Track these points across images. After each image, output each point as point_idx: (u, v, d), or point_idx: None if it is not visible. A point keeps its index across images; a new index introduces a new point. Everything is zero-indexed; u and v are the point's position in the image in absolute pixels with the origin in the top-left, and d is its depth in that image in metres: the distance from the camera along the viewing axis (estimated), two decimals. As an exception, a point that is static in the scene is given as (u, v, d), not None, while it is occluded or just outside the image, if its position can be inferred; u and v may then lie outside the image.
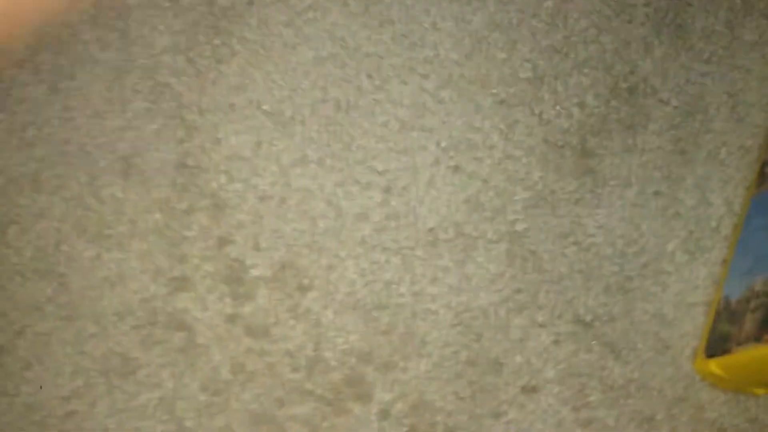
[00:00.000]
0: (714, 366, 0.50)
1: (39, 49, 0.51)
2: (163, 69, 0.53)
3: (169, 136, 0.52)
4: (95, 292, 0.49)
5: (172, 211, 0.51)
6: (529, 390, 0.54)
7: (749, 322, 0.47)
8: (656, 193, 0.59)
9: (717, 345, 0.50)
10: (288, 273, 0.52)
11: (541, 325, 0.55)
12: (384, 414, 0.52)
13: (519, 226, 0.56)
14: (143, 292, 0.50)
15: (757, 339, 0.46)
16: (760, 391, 0.52)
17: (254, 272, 0.52)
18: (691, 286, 0.57)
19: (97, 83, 0.52)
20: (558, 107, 0.59)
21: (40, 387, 0.48)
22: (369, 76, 0.57)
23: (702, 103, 0.61)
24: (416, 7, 0.58)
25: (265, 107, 0.54)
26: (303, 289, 0.52)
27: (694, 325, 0.56)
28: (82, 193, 0.50)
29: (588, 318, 0.55)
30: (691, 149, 0.60)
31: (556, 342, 0.55)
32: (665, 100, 0.61)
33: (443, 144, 0.56)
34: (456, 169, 0.56)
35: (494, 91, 0.58)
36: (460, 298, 0.54)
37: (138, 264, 0.50)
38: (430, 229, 0.55)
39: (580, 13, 0.61)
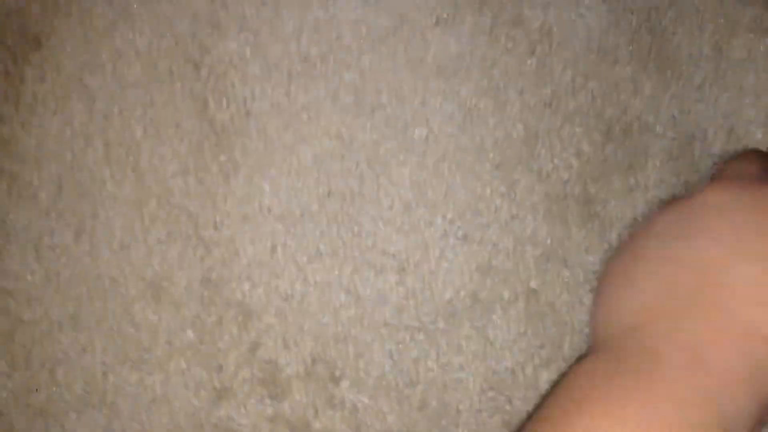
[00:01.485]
0: None
1: (61, 196, 0.56)
2: (176, 193, 0.57)
3: (191, 256, 0.56)
4: (144, 415, 0.53)
5: (203, 325, 0.55)
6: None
7: None
8: (665, 229, 0.60)
9: None
10: (319, 366, 0.55)
11: (569, 377, 0.57)
12: (430, 486, 0.55)
13: (533, 284, 0.58)
14: (187, 407, 0.53)
15: None
16: None
17: (288, 371, 0.55)
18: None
19: (119, 218, 0.56)
20: (555, 161, 0.60)
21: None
22: (368, 164, 0.59)
23: (699, 129, 0.62)
24: (404, 89, 0.61)
25: (275, 212, 0.58)
26: (336, 380, 0.55)
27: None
28: (120, 322, 0.54)
29: (614, 363, 0.57)
30: (694, 178, 0.61)
31: (585, 392, 0.56)
32: (661, 134, 0.62)
33: (449, 216, 0.59)
34: (465, 238, 0.58)
35: (491, 156, 0.60)
36: (486, 363, 0.57)
37: (179, 381, 0.54)
38: (448, 301, 0.57)
39: (565, 63, 0.62)
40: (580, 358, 0.34)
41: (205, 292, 0.56)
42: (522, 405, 0.56)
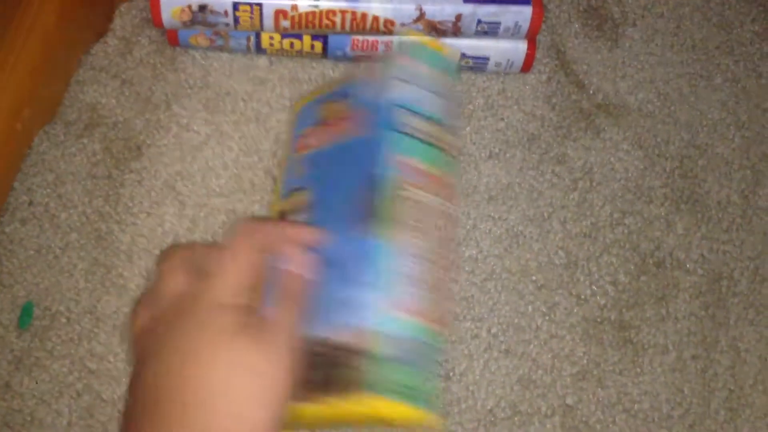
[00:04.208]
0: None
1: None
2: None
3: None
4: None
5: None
6: None
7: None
8: (694, 357, 0.64)
9: None
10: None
11: (601, 492, 0.60)
12: None
13: (569, 400, 0.62)
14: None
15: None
16: None
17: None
18: (737, 443, 0.61)
19: None
20: (593, 287, 0.66)
21: None
22: (423, 278, 0.65)
23: (726, 269, 0.68)
24: (457, 212, 0.67)
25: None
26: (381, 476, 0.59)
27: (745, 481, 0.60)
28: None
29: (643, 481, 0.60)
30: (721, 313, 0.66)
31: (616, 507, 0.59)
32: (691, 271, 0.67)
33: (493, 330, 0.64)
34: (507, 352, 0.63)
35: (534, 278, 0.66)
36: (522, 472, 0.60)
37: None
38: (490, 410, 0.62)
39: (604, 199, 0.69)
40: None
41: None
42: None
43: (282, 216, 0.50)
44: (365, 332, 0.42)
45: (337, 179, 0.48)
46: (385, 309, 0.42)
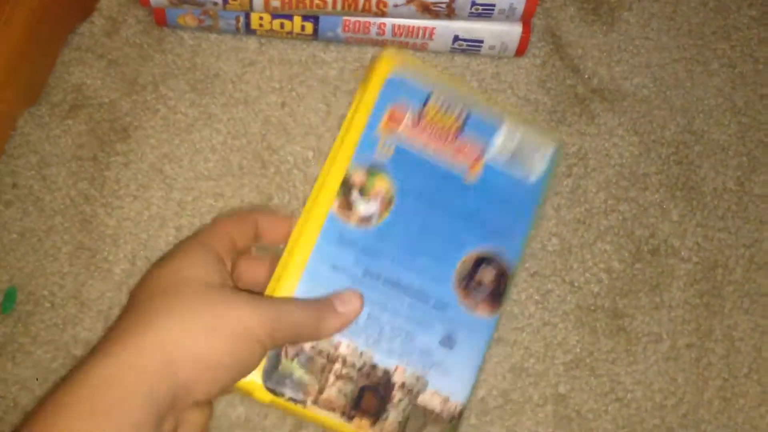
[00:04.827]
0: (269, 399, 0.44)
1: (133, 272, 0.61)
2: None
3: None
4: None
5: (251, 403, 0.59)
6: None
7: (334, 389, 0.43)
8: (688, 346, 0.64)
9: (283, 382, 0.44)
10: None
11: (592, 481, 0.59)
12: None
13: (562, 389, 0.62)
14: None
15: (346, 415, 0.44)
16: None
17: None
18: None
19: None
20: (587, 274, 0.65)
21: None
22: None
23: (721, 257, 0.67)
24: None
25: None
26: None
27: (738, 471, 0.59)
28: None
29: (636, 471, 0.60)
30: (716, 302, 0.65)
31: (607, 496, 0.59)
32: (686, 258, 0.67)
33: (486, 318, 0.63)
34: (499, 340, 0.62)
35: (527, 265, 0.65)
36: (514, 461, 0.60)
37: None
38: (481, 399, 0.61)
39: (598, 186, 0.68)
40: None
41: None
42: (546, 504, 0.59)
43: (345, 183, 0.46)
44: (452, 404, 0.45)
45: (434, 205, 0.47)
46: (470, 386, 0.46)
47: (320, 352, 0.43)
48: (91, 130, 0.64)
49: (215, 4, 0.63)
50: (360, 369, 0.44)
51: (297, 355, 0.43)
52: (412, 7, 0.64)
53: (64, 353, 0.58)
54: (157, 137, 0.64)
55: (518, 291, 0.64)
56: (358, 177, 0.46)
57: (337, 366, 0.44)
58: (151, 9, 0.66)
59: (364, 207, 0.45)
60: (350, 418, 0.44)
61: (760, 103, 0.73)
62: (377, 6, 0.64)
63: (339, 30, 0.67)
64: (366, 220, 0.45)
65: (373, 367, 0.44)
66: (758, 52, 0.75)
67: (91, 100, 0.65)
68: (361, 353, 0.44)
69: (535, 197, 0.49)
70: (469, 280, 0.46)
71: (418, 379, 0.45)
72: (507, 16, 0.66)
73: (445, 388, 0.45)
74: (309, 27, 0.66)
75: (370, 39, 0.68)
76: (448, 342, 0.46)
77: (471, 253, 0.47)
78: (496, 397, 0.61)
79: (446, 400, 0.45)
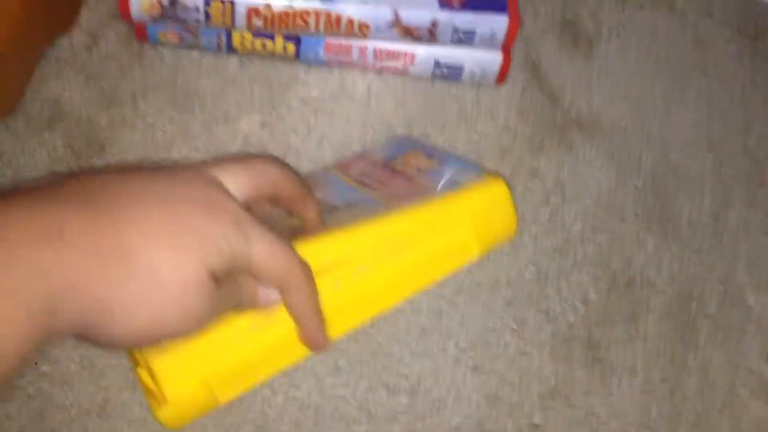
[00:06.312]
0: None
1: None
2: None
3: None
4: None
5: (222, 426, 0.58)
6: None
7: None
8: (662, 379, 0.64)
9: None
10: (327, 478, 0.58)
11: None
12: None
13: (536, 419, 0.61)
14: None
15: None
16: None
17: (297, 479, 0.57)
18: (703, 466, 0.61)
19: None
20: (563, 303, 0.65)
21: None
22: (390, 289, 0.64)
23: (696, 289, 0.67)
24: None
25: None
26: (341, 492, 0.57)
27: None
28: (145, 415, 0.57)
29: (608, 503, 0.59)
30: (690, 335, 0.66)
31: None
32: (661, 290, 0.67)
33: (461, 345, 0.63)
34: (475, 368, 0.62)
35: (503, 293, 0.64)
36: (486, 491, 0.59)
37: (193, 479, 0.56)
38: (456, 427, 0.60)
39: (575, 216, 0.68)
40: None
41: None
42: None
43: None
44: None
45: None
46: None
47: None
48: (68, 143, 0.63)
49: (197, 20, 0.63)
50: None
51: None
52: (394, 31, 0.64)
53: (32, 370, 0.56)
54: (134, 153, 0.64)
55: (494, 319, 0.63)
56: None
57: None
58: (133, 24, 0.65)
59: None
60: None
61: (734, 138, 0.74)
62: (360, 29, 0.64)
63: (321, 51, 0.66)
64: None
65: None
66: (734, 87, 0.76)
67: (68, 113, 0.64)
68: None
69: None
70: None
71: None
72: (488, 43, 0.66)
73: None
74: (291, 48, 0.66)
75: (351, 62, 0.68)
76: None
77: None
78: (471, 427, 0.60)
79: None
